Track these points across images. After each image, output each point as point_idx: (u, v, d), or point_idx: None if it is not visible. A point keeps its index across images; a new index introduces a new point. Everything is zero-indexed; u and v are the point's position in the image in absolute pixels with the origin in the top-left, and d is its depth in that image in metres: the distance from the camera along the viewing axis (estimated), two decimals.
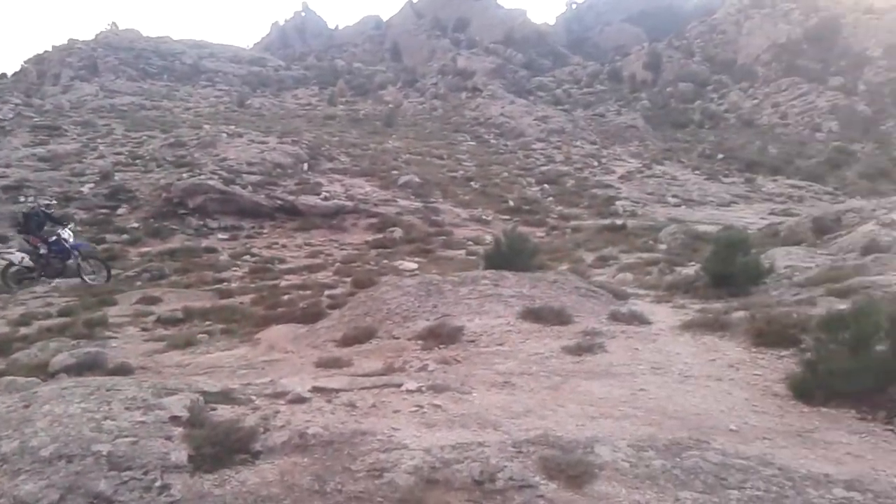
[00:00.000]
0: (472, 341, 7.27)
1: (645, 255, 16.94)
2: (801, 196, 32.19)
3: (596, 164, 38.85)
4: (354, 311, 9.15)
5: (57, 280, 16.40)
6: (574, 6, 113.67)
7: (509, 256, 11.48)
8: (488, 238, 19.43)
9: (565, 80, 72.02)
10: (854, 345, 5.04)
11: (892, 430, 4.62)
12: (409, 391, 5.20)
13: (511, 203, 28.44)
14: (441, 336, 7.35)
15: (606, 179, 34.52)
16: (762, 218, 24.39)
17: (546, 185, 32.91)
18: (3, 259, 16.73)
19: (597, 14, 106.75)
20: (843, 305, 6.20)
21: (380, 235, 22.36)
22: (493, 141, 46.31)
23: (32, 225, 16.85)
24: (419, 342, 7.36)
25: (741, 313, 7.66)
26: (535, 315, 8.02)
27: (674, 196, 31.43)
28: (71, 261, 16.49)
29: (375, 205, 25.21)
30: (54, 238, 16.51)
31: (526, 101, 58.01)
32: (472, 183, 31.95)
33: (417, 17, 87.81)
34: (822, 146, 43.30)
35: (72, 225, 17.66)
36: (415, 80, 68.33)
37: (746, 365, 6.12)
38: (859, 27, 61.07)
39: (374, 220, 23.82)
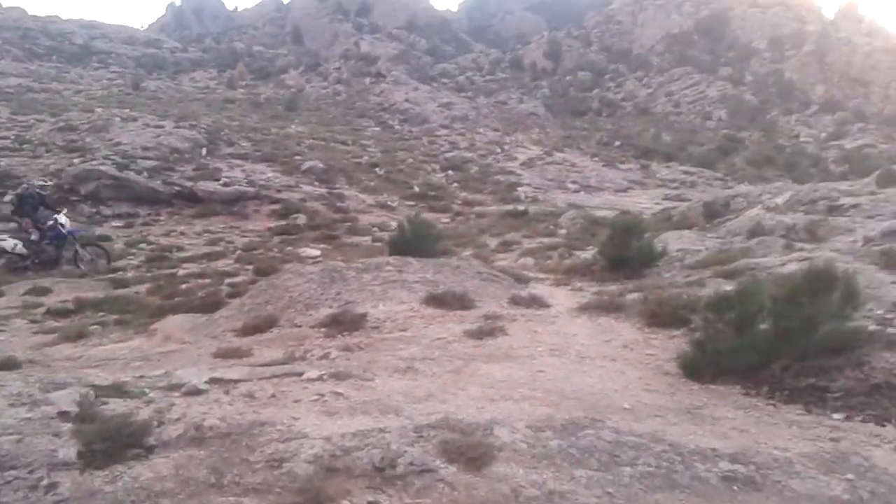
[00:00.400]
0: (376, 328, 7.25)
1: (546, 239, 17.25)
2: (693, 182, 33.55)
3: (499, 150, 39.34)
4: (255, 300, 8.95)
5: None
6: None
7: (413, 242, 11.49)
8: (394, 224, 19.39)
9: (468, 67, 72.52)
10: (739, 324, 5.28)
11: (773, 405, 4.88)
12: (310, 380, 5.14)
13: (416, 189, 28.47)
14: (344, 323, 7.29)
15: (509, 166, 35.02)
16: (657, 203, 25.27)
17: (450, 172, 33.12)
18: None
19: (498, 2, 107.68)
20: (729, 287, 6.48)
21: (283, 222, 21.98)
22: (397, 127, 46.19)
23: (27, 208, 15.56)
24: (322, 330, 7.28)
25: (635, 295, 7.93)
26: (439, 300, 8.06)
27: (573, 182, 32.19)
28: (67, 248, 15.29)
29: (278, 191, 24.74)
30: (50, 223, 15.28)
31: (430, 87, 58.07)
32: (377, 169, 31.79)
33: (320, 1, 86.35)
34: (712, 134, 45.26)
35: (65, 210, 16.41)
36: (317, 64, 67.29)
37: (640, 345, 6.35)
38: (746, 20, 63.99)
39: (276, 207, 23.38)
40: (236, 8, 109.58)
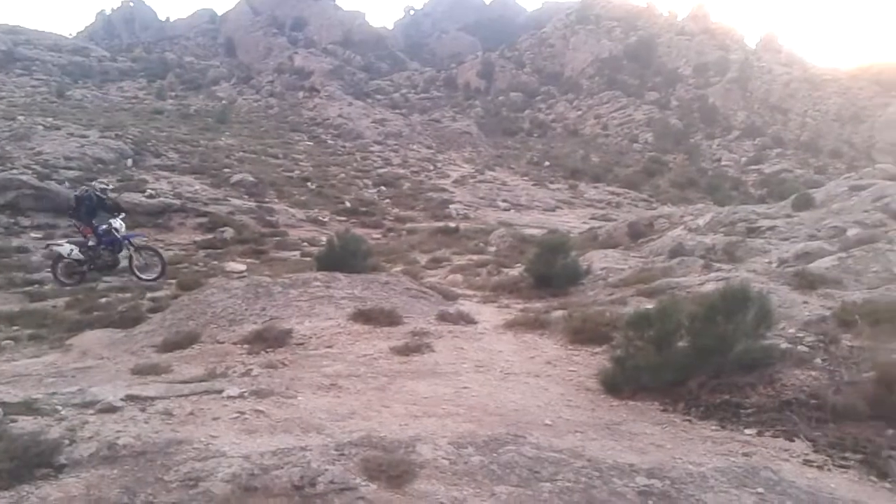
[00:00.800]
0: (301, 344, 7.16)
1: (476, 256, 17.37)
2: (619, 202, 34.28)
3: (431, 168, 39.50)
4: (177, 315, 8.75)
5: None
6: (412, 12, 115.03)
7: (342, 258, 11.42)
8: (324, 239, 19.22)
9: (403, 84, 72.65)
10: (658, 342, 5.42)
11: (690, 421, 5.01)
12: (230, 397, 5.04)
13: (348, 204, 28.29)
14: (268, 339, 7.18)
15: (441, 183, 35.17)
16: (584, 222, 25.74)
17: (383, 188, 33.05)
18: (52, 251, 14.94)
19: (433, 21, 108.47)
20: (650, 305, 6.64)
21: (209, 236, 21.48)
22: (330, 142, 45.89)
23: (83, 211, 14.99)
24: (245, 346, 7.15)
25: (560, 313, 8.05)
26: (366, 316, 8.02)
27: (504, 200, 32.50)
28: (123, 253, 14.71)
29: (205, 203, 24.19)
30: (104, 227, 14.70)
31: (364, 103, 57.94)
32: (308, 183, 31.48)
33: (254, 14, 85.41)
34: (638, 156, 46.41)
35: (123, 215, 15.61)
36: (250, 76, 66.48)
37: (563, 361, 6.44)
38: (673, 47, 66.06)
39: (203, 220, 22.83)
40: (168, 18, 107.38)
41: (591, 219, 27.64)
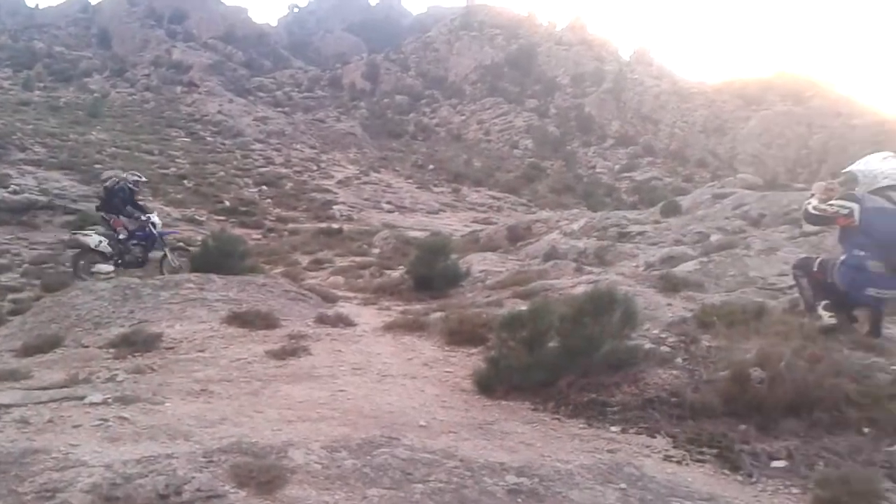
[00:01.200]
0: (171, 348, 6.92)
1: (358, 258, 17.34)
2: (500, 206, 35.05)
3: (315, 168, 39.11)
4: (38, 318, 8.27)
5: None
6: (296, 10, 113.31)
7: (218, 259, 11.14)
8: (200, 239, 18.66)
9: (286, 82, 71.49)
10: (530, 342, 5.56)
11: (559, 419, 5.16)
12: (93, 404, 4.81)
13: (227, 203, 27.64)
14: (136, 343, 6.88)
15: (325, 184, 34.90)
16: (466, 225, 26.16)
17: (264, 187, 32.47)
18: (77, 242, 13.75)
19: (318, 20, 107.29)
20: (524, 306, 6.82)
21: None
22: (209, 139, 44.58)
23: (116, 202, 13.88)
24: (111, 350, 6.83)
25: (438, 314, 8.15)
26: (241, 319, 7.84)
27: (388, 202, 32.62)
28: (155, 251, 13.60)
29: (74, 201, 23.05)
30: (140, 221, 13.76)
31: (245, 100, 56.67)
32: (185, 181, 30.54)
33: (130, 5, 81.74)
34: (519, 162, 47.57)
35: (157, 210, 14.32)
36: (125, 69, 63.65)
37: (440, 363, 6.51)
38: (552, 57, 68.10)
39: (71, 218, 21.72)
40: (37, 5, 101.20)
41: (473, 222, 28.12)
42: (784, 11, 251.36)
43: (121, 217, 14.00)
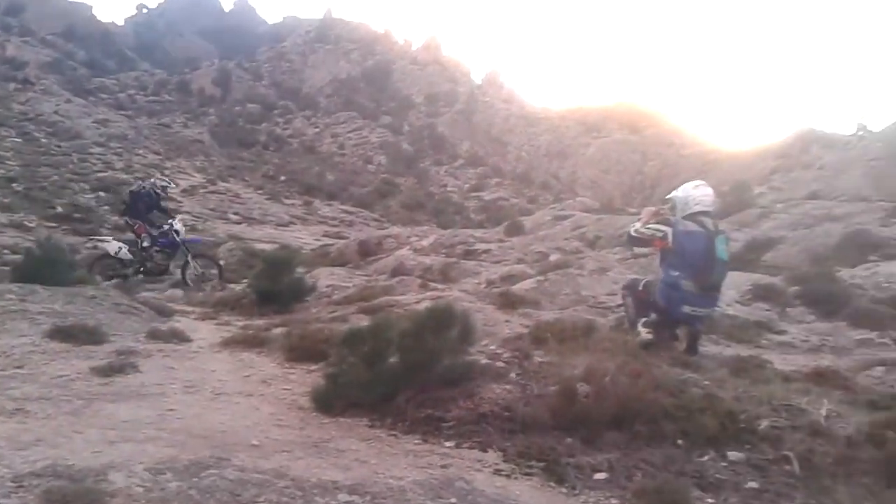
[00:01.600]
0: None
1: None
2: (352, 221, 34.92)
3: (159, 175, 37.36)
4: None
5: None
6: (145, 10, 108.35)
7: (44, 268, 10.35)
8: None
9: (131, 84, 67.98)
10: (370, 358, 5.55)
11: (395, 436, 5.17)
12: None
13: (60, 209, 25.83)
14: None
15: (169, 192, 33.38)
16: (317, 239, 25.85)
17: (102, 193, 30.59)
18: (95, 248, 13.95)
19: (168, 23, 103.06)
20: (368, 322, 6.81)
21: None
22: (43, 140, 41.43)
23: (141, 208, 13.69)
24: None
25: (280, 330, 7.99)
26: (66, 334, 7.33)
27: (235, 213, 31.69)
28: (178, 258, 13.50)
29: None
30: (164, 228, 13.49)
31: (85, 101, 53.25)
32: (14, 184, 28.29)
33: None
34: (372, 177, 47.67)
35: (180, 216, 13.44)
36: None
37: (278, 380, 6.38)
38: (407, 75, 68.97)
39: None
40: None
41: (325, 236, 27.83)
42: (625, 43, 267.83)
43: (144, 223, 13.82)
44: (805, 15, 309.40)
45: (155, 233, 13.83)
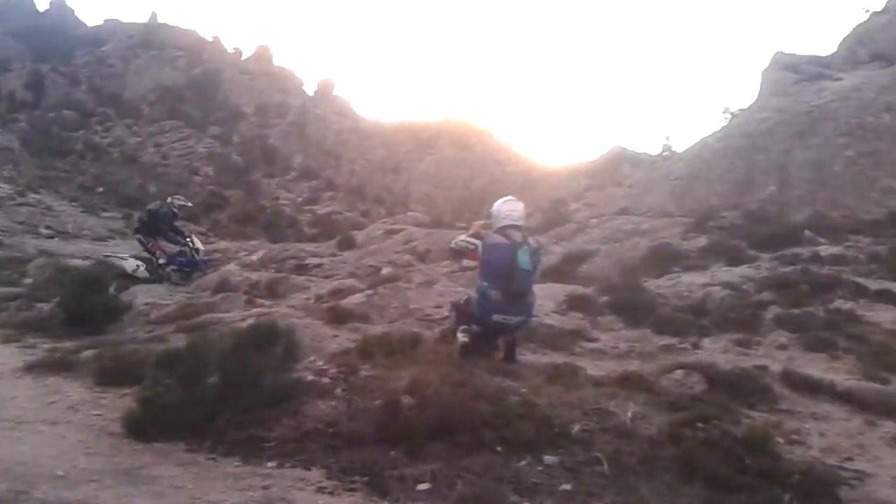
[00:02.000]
0: None
1: (6, 289, 15.40)
2: None
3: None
4: None
5: None
6: None
7: None
8: None
9: None
10: (187, 379, 5.34)
11: (214, 459, 4.99)
12: None
13: None
14: None
15: None
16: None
17: None
18: (114, 264, 13.72)
19: None
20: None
21: None
22: None
23: (161, 226, 13.83)
24: None
25: (91, 352, 7.53)
26: None
27: (47, 227, 29.48)
28: (195, 278, 13.12)
29: None
30: (182, 247, 13.53)
31: None
32: None
33: None
34: (199, 189, 45.84)
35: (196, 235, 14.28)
36: None
37: (87, 405, 6.01)
38: (236, 84, 67.14)
39: None
40: None
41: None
42: (456, 57, 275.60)
43: (161, 241, 13.62)
44: (622, 40, 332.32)
45: (173, 250, 13.75)
